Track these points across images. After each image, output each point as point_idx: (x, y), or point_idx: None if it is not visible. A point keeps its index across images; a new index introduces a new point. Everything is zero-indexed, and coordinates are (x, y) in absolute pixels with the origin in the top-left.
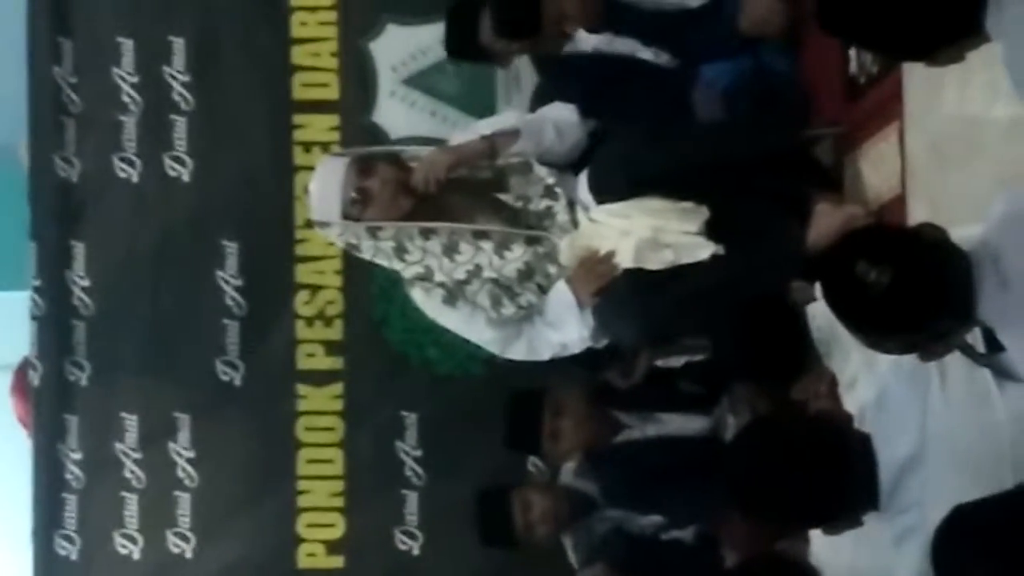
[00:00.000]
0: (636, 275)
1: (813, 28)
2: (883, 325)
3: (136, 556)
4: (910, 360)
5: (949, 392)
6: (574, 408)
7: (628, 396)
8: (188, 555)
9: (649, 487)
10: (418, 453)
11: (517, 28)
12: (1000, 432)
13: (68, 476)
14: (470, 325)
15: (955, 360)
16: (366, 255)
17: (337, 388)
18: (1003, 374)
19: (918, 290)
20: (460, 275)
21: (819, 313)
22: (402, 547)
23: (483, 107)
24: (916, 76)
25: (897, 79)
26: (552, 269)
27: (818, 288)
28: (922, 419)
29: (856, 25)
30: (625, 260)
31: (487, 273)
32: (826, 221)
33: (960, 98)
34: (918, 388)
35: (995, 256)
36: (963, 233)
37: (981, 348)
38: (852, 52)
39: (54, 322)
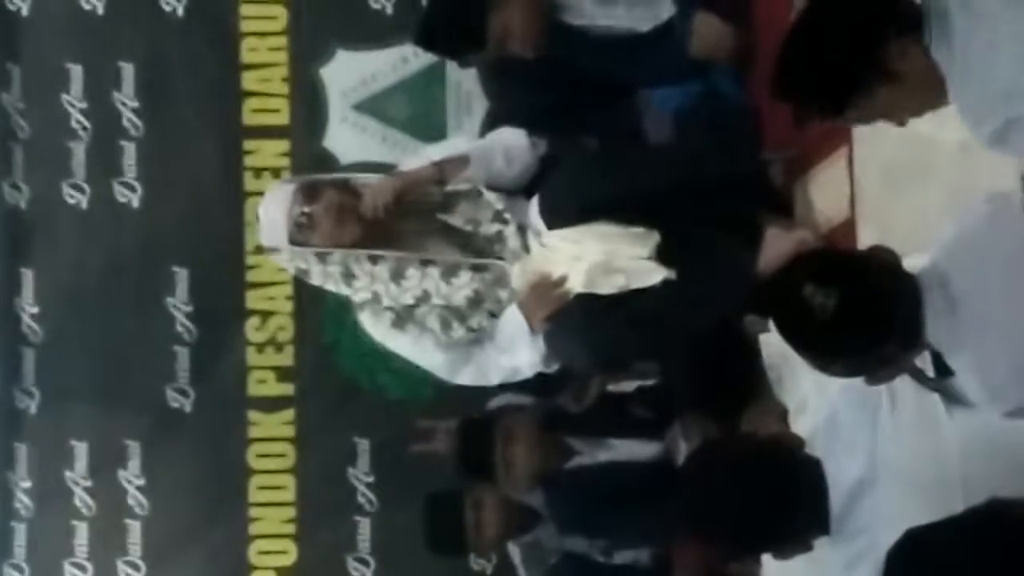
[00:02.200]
0: (588, 300)
1: (762, 53)
2: (829, 349)
3: None
4: (860, 384)
5: (899, 416)
6: (525, 434)
7: (579, 421)
8: None
9: (600, 513)
10: (370, 479)
11: (461, 44)
12: (950, 457)
13: (17, 505)
14: (419, 349)
15: (905, 384)
16: (315, 280)
17: (288, 414)
18: (952, 399)
19: (864, 315)
20: (408, 300)
21: (771, 339)
22: (355, 574)
23: (434, 132)
24: None
25: None
26: (503, 294)
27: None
28: (872, 443)
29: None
30: (577, 285)
31: (435, 300)
32: (776, 245)
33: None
34: (868, 412)
35: (943, 280)
36: (915, 262)
37: (930, 372)
38: None
39: (3, 349)
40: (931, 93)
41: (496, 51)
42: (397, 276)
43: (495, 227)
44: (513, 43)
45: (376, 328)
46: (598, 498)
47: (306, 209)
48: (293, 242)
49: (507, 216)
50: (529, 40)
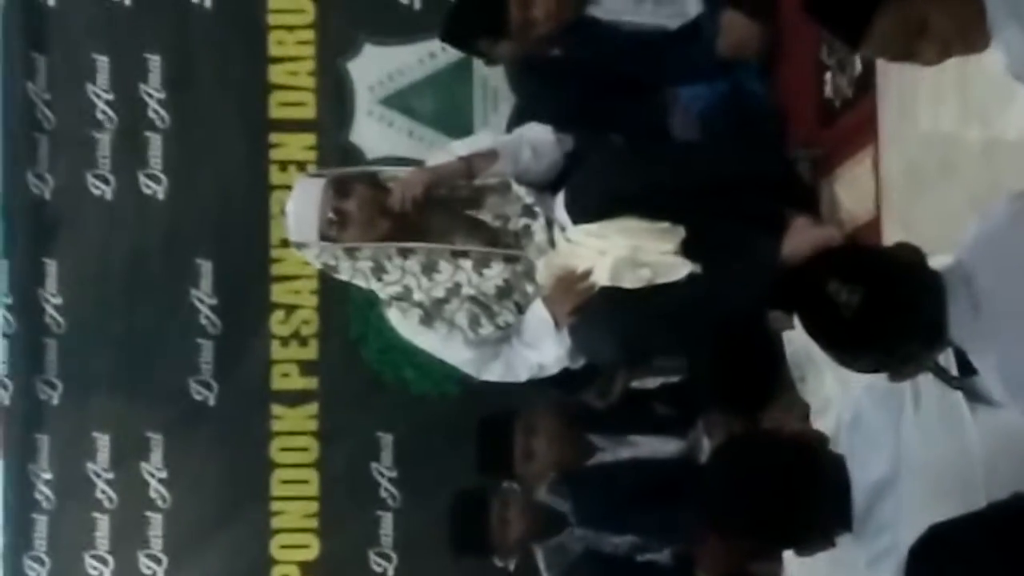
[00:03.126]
0: (613, 293)
1: (788, 51)
2: (852, 345)
3: None
4: (884, 382)
5: (922, 415)
6: (547, 427)
7: (602, 418)
8: None
9: (622, 509)
10: (393, 474)
11: (484, 30)
12: (972, 456)
13: (38, 496)
14: (447, 345)
15: (928, 383)
16: (344, 276)
17: (312, 408)
18: (976, 397)
19: (888, 313)
20: (439, 293)
21: (795, 337)
22: (377, 569)
23: (460, 127)
24: (891, 99)
25: (872, 102)
26: (530, 288)
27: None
28: (895, 442)
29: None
30: (602, 279)
31: (466, 290)
32: (802, 236)
33: (934, 121)
34: (891, 411)
35: (967, 278)
36: (940, 260)
37: (954, 371)
38: (828, 75)
39: (25, 340)
40: (968, 21)
41: (520, 32)
42: (429, 269)
43: (523, 221)
44: (537, 22)
45: (404, 325)
46: (620, 495)
47: (338, 205)
48: (324, 238)
49: (536, 210)
50: (553, 14)
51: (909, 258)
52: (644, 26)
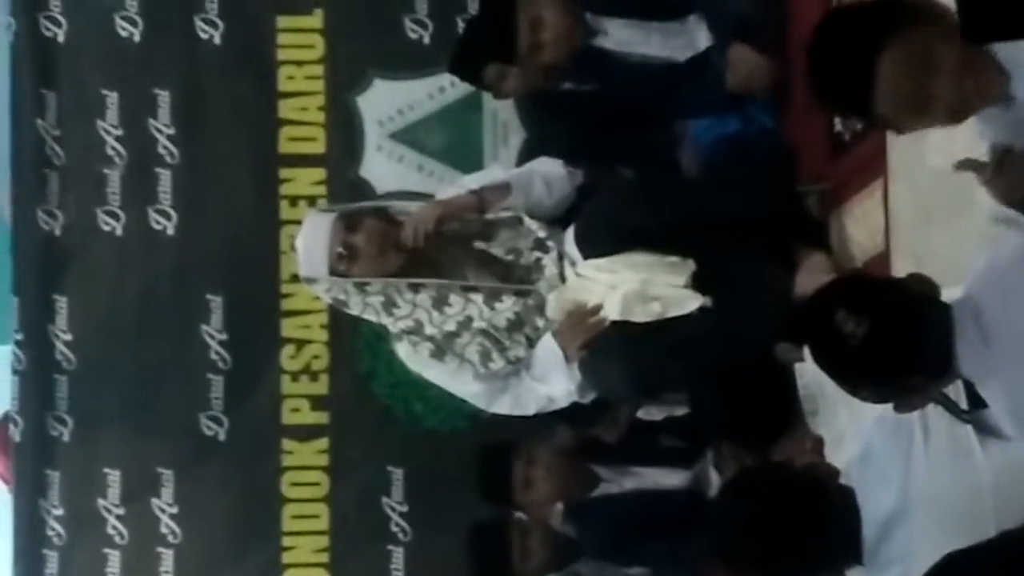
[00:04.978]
0: (623, 328)
1: (798, 85)
2: (856, 375)
3: None
4: (893, 415)
5: (932, 448)
6: (546, 457)
7: (606, 449)
8: None
9: (627, 541)
10: (404, 508)
11: (491, 56)
12: (982, 488)
13: (49, 532)
14: (457, 379)
15: (938, 415)
16: (354, 311)
17: (322, 443)
18: (985, 430)
19: (893, 345)
20: (450, 327)
21: (808, 370)
22: None
23: (470, 161)
24: None
25: (881, 135)
26: (540, 322)
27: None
28: (905, 474)
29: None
30: (612, 312)
31: (477, 324)
32: (816, 278)
33: (944, 154)
34: (901, 443)
35: (977, 311)
36: (949, 294)
37: (964, 403)
38: None
39: (36, 376)
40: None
41: (529, 57)
42: (440, 303)
43: (535, 255)
44: (545, 46)
45: (413, 358)
46: (623, 526)
47: (347, 240)
48: (333, 273)
49: (549, 244)
50: (562, 38)
51: (919, 290)
52: (653, 58)
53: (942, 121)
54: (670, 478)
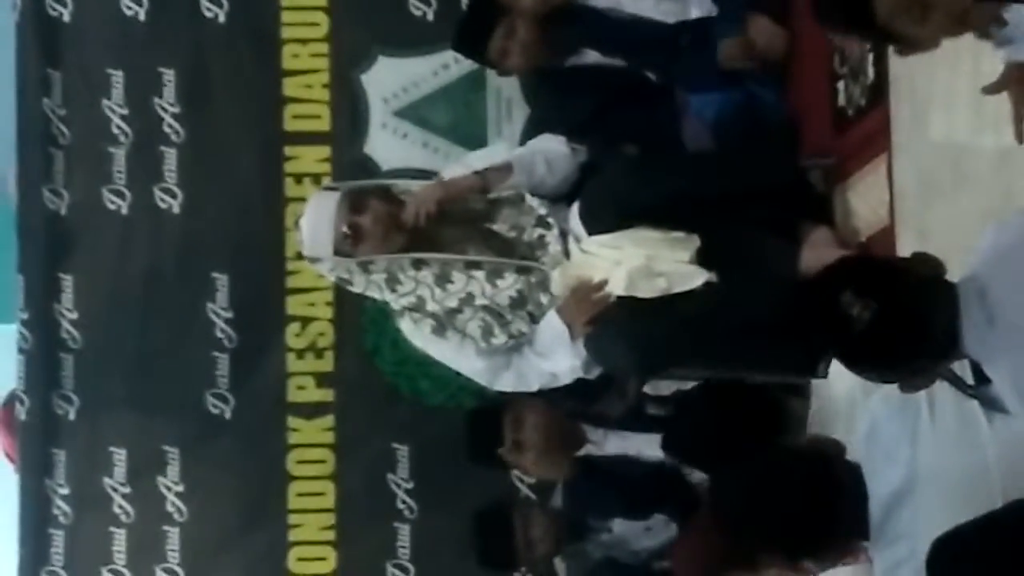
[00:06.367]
0: (628, 304)
1: (801, 60)
2: (862, 357)
3: None
4: (899, 392)
5: (938, 424)
6: (534, 419)
7: (594, 413)
8: None
9: (607, 498)
10: (410, 485)
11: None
12: (989, 464)
13: (55, 511)
14: (459, 355)
15: (944, 392)
16: (358, 289)
17: (328, 421)
18: (991, 405)
19: (899, 328)
20: (452, 303)
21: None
22: None
23: (474, 138)
24: (904, 107)
25: (885, 110)
26: (544, 298)
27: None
28: (911, 451)
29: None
30: (617, 288)
31: (479, 301)
32: (821, 254)
33: (947, 129)
34: (907, 420)
35: (982, 291)
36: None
37: (969, 379)
38: (840, 84)
39: (42, 355)
40: None
41: (498, 64)
42: (442, 280)
43: (538, 232)
44: (510, 61)
45: (416, 335)
46: (604, 489)
47: (353, 220)
48: (338, 252)
49: (550, 221)
50: (527, 63)
51: (925, 271)
52: (644, 19)
53: (944, 30)
54: (654, 447)
